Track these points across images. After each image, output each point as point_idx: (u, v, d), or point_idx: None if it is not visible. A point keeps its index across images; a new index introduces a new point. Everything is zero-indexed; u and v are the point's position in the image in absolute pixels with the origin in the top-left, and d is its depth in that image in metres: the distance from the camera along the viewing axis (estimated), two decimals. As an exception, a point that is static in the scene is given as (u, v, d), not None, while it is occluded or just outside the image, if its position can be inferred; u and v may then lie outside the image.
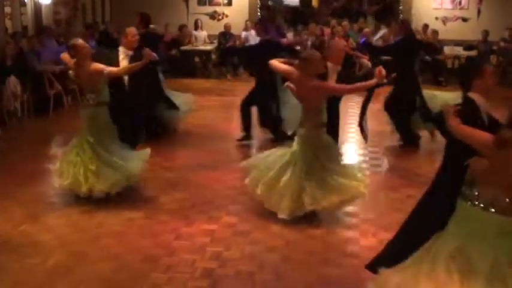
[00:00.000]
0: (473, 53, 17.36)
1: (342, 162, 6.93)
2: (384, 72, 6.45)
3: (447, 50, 17.69)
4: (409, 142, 10.02)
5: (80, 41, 7.38)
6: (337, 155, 6.95)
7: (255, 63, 10.43)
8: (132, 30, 8.82)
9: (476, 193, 4.11)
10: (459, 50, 17.76)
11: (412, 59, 10.07)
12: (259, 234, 6.38)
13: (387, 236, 6.34)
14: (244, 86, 12.58)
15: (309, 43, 18.00)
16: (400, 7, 19.58)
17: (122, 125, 7.51)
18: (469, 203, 4.13)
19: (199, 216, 6.86)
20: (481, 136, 4.03)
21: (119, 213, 6.92)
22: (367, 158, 9.49)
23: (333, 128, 7.26)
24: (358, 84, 6.72)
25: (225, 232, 6.47)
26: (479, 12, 19.00)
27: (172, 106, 10.25)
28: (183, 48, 18.03)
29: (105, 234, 6.41)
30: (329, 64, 7.11)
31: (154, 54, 7.86)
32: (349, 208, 7.15)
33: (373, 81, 6.57)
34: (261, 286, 5.37)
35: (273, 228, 6.55)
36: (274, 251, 6.00)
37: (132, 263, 5.75)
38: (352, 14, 21.79)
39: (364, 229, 6.62)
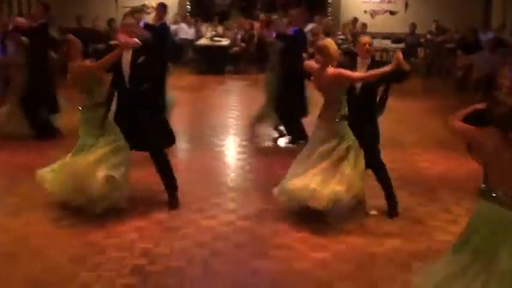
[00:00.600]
0: (401, 45, 17.70)
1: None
2: (401, 56, 6.27)
3: (375, 43, 17.91)
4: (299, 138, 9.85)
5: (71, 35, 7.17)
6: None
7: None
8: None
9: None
10: (387, 43, 18.09)
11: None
12: (189, 230, 6.36)
13: (318, 226, 6.47)
14: (173, 80, 12.50)
15: (239, 37, 18.08)
16: (329, 0, 19.81)
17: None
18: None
19: (129, 213, 6.77)
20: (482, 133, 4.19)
21: (46, 213, 6.79)
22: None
23: None
24: (373, 71, 6.47)
25: (154, 228, 6.42)
26: (406, 5, 19.43)
27: None
28: (112, 42, 17.76)
29: (33, 234, 6.27)
30: (358, 59, 6.98)
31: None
32: (278, 200, 7.20)
33: (387, 68, 6.36)
34: (190, 281, 5.35)
35: (202, 223, 6.55)
36: (204, 246, 5.99)
37: (61, 262, 5.64)
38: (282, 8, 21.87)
39: (294, 220, 6.66)
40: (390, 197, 6.93)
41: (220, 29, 18.89)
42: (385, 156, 9.04)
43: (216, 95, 14.01)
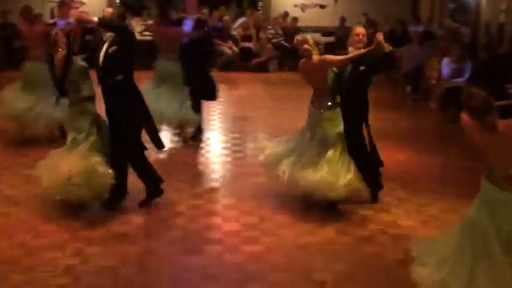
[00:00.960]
0: (331, 39, 17.92)
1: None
2: (380, 38, 6.35)
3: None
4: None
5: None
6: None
7: None
8: None
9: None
10: (318, 37, 18.26)
11: None
12: (121, 228, 6.30)
13: (250, 220, 6.52)
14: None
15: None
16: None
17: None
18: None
19: (59, 213, 6.65)
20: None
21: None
22: (229, 144, 9.60)
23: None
24: (351, 54, 6.61)
25: (86, 227, 6.32)
26: (336, -3, 19.63)
27: None
28: (50, 21, 17.41)
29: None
30: (350, 49, 6.92)
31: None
32: (210, 195, 7.25)
33: (365, 50, 6.51)
34: (124, 280, 5.30)
35: (134, 220, 6.50)
36: (136, 244, 5.95)
37: (-12, 266, 5.52)
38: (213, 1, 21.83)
39: (226, 215, 6.70)
40: (372, 184, 6.99)
41: (150, 23, 18.69)
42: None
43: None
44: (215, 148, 9.36)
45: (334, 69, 6.71)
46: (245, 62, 17.09)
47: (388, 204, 7.02)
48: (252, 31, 17.71)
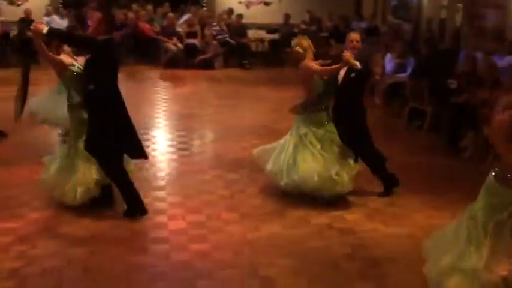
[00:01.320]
0: (276, 36, 18.01)
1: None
2: (347, 56, 6.63)
3: (251, 33, 18.19)
4: None
5: None
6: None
7: None
8: None
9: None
10: (262, 33, 18.35)
11: None
12: (65, 229, 6.22)
13: (197, 218, 6.52)
14: (46, 75, 12.15)
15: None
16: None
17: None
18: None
19: (1, 214, 6.53)
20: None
21: None
22: (174, 142, 9.56)
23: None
24: (325, 68, 6.88)
25: (29, 229, 6.22)
26: (280, -6, 19.72)
27: None
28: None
29: None
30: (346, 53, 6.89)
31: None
32: (156, 193, 7.22)
33: (338, 66, 6.76)
34: (69, 282, 5.23)
35: (79, 221, 6.40)
36: (81, 245, 5.86)
37: None
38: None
39: (173, 213, 6.67)
40: (382, 177, 7.34)
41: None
42: (261, 144, 9.24)
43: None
44: (161, 146, 9.31)
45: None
46: (190, 58, 17.03)
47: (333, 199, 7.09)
48: (197, 28, 17.65)
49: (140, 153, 6.71)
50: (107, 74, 6.41)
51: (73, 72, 6.75)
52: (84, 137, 6.47)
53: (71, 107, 6.75)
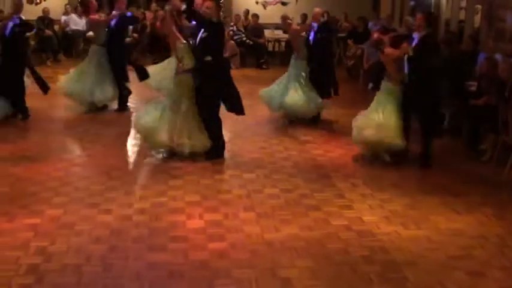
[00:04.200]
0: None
1: None
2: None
3: (268, 33, 18.19)
4: None
5: None
6: None
7: None
8: None
9: None
10: (279, 33, 18.32)
11: None
12: (85, 226, 6.25)
13: (215, 216, 6.52)
14: (65, 73, 12.27)
15: (131, 27, 17.80)
16: (220, -8, 19.82)
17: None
18: None
19: (21, 211, 6.58)
20: None
21: None
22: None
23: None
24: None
25: (49, 225, 6.26)
26: (297, -4, 19.67)
27: None
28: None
29: None
30: None
31: None
32: (174, 192, 7.24)
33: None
34: (88, 278, 5.24)
35: (98, 218, 6.45)
36: (101, 242, 5.90)
37: (-51, 265, 5.42)
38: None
39: (190, 212, 6.68)
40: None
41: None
42: (279, 144, 9.28)
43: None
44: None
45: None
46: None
47: (351, 201, 7.08)
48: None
49: (240, 109, 8.78)
50: (219, 48, 8.55)
51: (186, 44, 8.42)
52: (188, 97, 8.39)
53: (181, 72, 8.41)
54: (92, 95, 11.30)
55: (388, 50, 8.63)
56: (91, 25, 12.60)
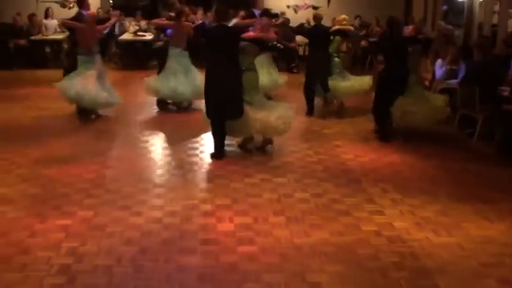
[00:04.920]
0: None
1: None
2: None
3: (299, 37, 18.15)
4: None
5: None
6: None
7: None
8: None
9: None
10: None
11: None
12: (116, 227, 6.30)
13: (245, 220, 6.53)
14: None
15: (169, 31, 17.89)
16: (251, -3, 19.88)
17: None
18: None
19: (53, 212, 6.67)
20: None
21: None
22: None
23: None
24: None
25: (80, 227, 6.33)
26: (329, 0, 19.64)
27: None
28: (33, 38, 17.45)
29: (-48, 235, 6.09)
30: None
31: None
32: (204, 195, 7.30)
33: None
34: (119, 280, 5.29)
35: (129, 220, 6.50)
36: (131, 244, 5.94)
37: (-17, 264, 5.51)
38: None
39: (221, 215, 6.70)
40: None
41: (143, 24, 18.71)
42: (310, 148, 9.27)
43: (139, 90, 13.85)
44: (209, 149, 9.32)
45: None
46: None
47: (382, 206, 7.04)
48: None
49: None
50: None
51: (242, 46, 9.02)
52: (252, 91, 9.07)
53: (243, 70, 8.96)
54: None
55: None
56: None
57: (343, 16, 12.59)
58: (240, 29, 9.18)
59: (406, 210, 6.95)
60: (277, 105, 9.49)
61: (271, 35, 9.72)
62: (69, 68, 11.55)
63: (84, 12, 11.74)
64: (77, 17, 11.72)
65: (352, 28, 12.65)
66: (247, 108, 8.87)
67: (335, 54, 12.44)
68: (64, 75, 11.52)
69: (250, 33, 9.21)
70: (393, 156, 9.09)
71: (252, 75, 9.17)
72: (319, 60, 11.89)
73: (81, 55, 11.19)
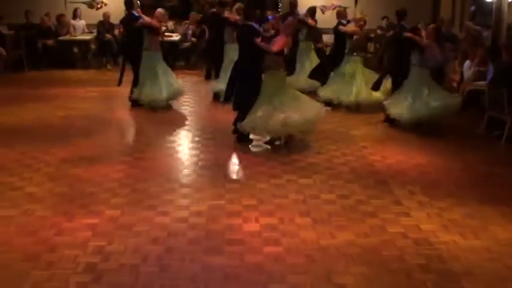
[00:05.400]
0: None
1: None
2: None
3: (326, 38, 18.09)
4: None
5: None
6: None
7: None
8: None
9: None
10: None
11: None
12: (142, 227, 6.33)
13: (271, 221, 6.53)
14: (124, 76, 12.47)
15: (190, 32, 17.98)
16: (280, -2, 19.88)
17: None
18: None
19: (80, 211, 6.73)
20: None
21: (-5, 211, 6.69)
22: (249, 146, 9.62)
23: None
24: None
25: (107, 225, 6.38)
26: (356, 1, 19.56)
27: None
28: (61, 38, 17.60)
29: (-18, 233, 6.17)
30: None
31: None
32: (231, 195, 7.29)
33: None
34: (145, 279, 5.32)
35: (155, 219, 6.53)
36: (158, 243, 5.97)
37: (11, 261, 5.57)
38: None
39: (247, 215, 6.71)
40: None
41: (170, 24, 18.76)
42: (337, 150, 9.24)
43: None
44: (235, 148, 9.36)
45: None
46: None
47: (408, 208, 7.00)
48: (272, 32, 17.64)
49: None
50: None
51: None
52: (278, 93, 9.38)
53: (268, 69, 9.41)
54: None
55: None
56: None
57: (361, 16, 13.10)
58: (260, 48, 9.35)
59: (433, 212, 6.90)
60: (310, 105, 9.61)
61: (274, 47, 9.25)
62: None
63: (135, 13, 12.13)
64: (129, 17, 12.16)
65: (358, 30, 12.65)
66: (271, 111, 9.14)
67: (354, 53, 12.68)
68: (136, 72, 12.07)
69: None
70: (420, 158, 9.03)
71: (278, 75, 9.41)
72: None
73: (149, 51, 11.86)
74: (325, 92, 12.63)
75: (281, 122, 9.05)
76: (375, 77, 12.16)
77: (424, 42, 10.58)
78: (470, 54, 12.24)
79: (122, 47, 14.08)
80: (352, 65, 12.52)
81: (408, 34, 10.75)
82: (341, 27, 12.93)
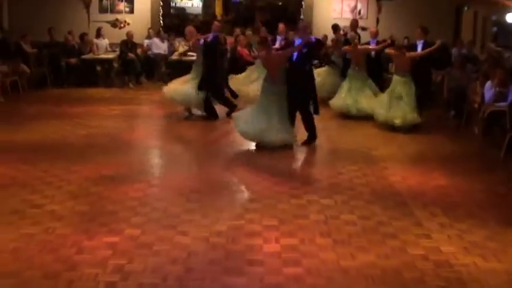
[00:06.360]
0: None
1: None
2: None
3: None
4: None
5: None
6: None
7: None
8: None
9: None
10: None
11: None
12: (162, 246, 6.34)
13: (291, 241, 6.52)
14: (146, 95, 12.59)
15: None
16: (301, 17, 19.95)
17: None
18: None
19: (101, 229, 6.75)
20: None
21: (16, 229, 6.72)
22: (270, 166, 9.61)
23: None
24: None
25: (127, 244, 6.39)
26: (378, 21, 19.60)
27: None
28: (84, 56, 17.80)
29: (1, 250, 6.18)
30: None
31: None
32: (251, 215, 7.27)
33: None
34: (164, 298, 5.35)
35: (175, 239, 6.53)
36: (177, 263, 5.97)
37: (32, 279, 5.59)
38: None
39: (267, 236, 6.69)
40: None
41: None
42: (358, 170, 9.21)
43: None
44: (254, 167, 9.36)
45: None
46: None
47: (429, 230, 6.96)
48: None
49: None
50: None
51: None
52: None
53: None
54: None
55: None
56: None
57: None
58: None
59: (453, 234, 6.85)
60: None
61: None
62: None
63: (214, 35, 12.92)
64: (214, 41, 12.96)
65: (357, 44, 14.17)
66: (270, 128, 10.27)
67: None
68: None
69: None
70: (441, 179, 8.98)
71: (279, 88, 10.51)
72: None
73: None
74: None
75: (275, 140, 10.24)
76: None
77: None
78: (491, 76, 12.17)
79: None
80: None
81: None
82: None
